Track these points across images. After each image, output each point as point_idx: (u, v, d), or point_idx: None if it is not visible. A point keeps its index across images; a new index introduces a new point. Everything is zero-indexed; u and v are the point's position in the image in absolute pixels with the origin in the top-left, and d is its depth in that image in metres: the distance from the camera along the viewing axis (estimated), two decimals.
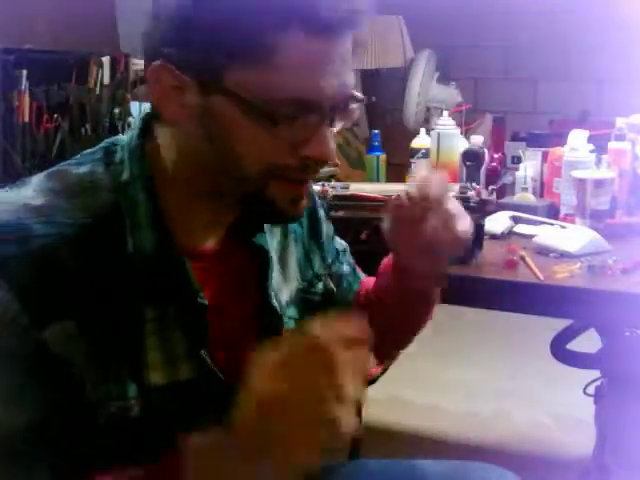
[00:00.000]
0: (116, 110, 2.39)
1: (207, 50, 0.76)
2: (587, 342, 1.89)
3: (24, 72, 2.13)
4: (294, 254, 1.00)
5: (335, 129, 0.81)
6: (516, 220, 1.76)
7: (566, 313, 1.48)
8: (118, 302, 0.78)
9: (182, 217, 0.83)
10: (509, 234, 1.71)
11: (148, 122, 0.84)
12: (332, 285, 1.06)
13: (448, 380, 3.03)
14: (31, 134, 2.17)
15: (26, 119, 2.15)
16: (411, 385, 2.84)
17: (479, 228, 1.50)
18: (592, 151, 1.87)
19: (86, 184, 0.81)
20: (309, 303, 1.01)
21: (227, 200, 0.84)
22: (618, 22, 4.03)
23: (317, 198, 1.07)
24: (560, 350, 1.92)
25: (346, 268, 1.11)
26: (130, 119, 2.45)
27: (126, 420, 0.79)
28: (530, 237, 1.65)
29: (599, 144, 1.90)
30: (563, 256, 1.53)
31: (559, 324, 1.89)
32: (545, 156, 2.01)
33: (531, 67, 4.54)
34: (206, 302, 0.84)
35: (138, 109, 2.49)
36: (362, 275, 1.14)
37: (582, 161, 1.82)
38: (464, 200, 1.49)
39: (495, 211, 1.76)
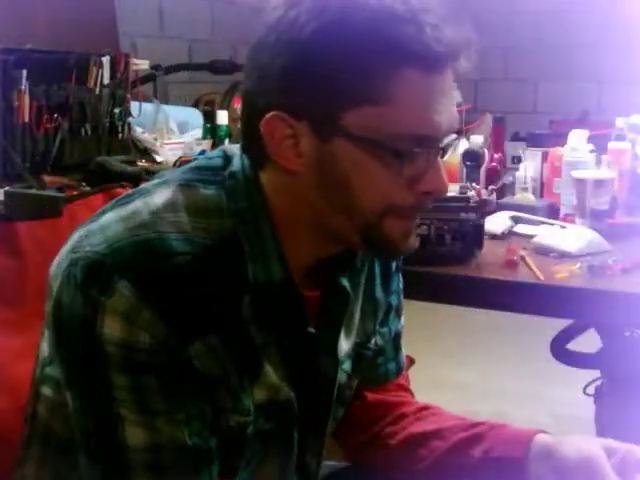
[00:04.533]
0: (116, 110, 2.39)
1: (322, 94, 0.76)
2: (587, 342, 1.89)
3: (24, 72, 2.12)
4: (359, 307, 0.97)
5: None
6: (516, 220, 1.75)
7: (566, 313, 1.48)
8: (237, 324, 0.82)
9: (291, 251, 0.84)
10: (509, 234, 1.70)
11: (258, 157, 0.84)
12: (382, 341, 1.03)
13: (447, 380, 3.03)
14: (31, 134, 2.16)
15: (26, 119, 2.14)
16: (410, 385, 2.84)
17: (479, 228, 1.50)
18: (592, 151, 1.87)
19: (212, 206, 0.82)
20: (361, 358, 0.99)
21: (332, 237, 0.85)
22: (618, 22, 4.04)
23: None
24: (560, 350, 1.92)
25: (398, 328, 1.07)
26: (130, 119, 2.45)
27: (237, 434, 0.84)
28: (530, 237, 1.65)
29: (599, 144, 1.90)
30: (563, 256, 1.52)
31: (559, 324, 1.89)
32: (545, 156, 2.01)
33: (531, 67, 4.54)
34: (314, 331, 0.87)
35: (138, 109, 2.49)
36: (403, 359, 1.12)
37: (582, 161, 1.82)
38: (464, 200, 1.50)
39: (495, 211, 1.76)
